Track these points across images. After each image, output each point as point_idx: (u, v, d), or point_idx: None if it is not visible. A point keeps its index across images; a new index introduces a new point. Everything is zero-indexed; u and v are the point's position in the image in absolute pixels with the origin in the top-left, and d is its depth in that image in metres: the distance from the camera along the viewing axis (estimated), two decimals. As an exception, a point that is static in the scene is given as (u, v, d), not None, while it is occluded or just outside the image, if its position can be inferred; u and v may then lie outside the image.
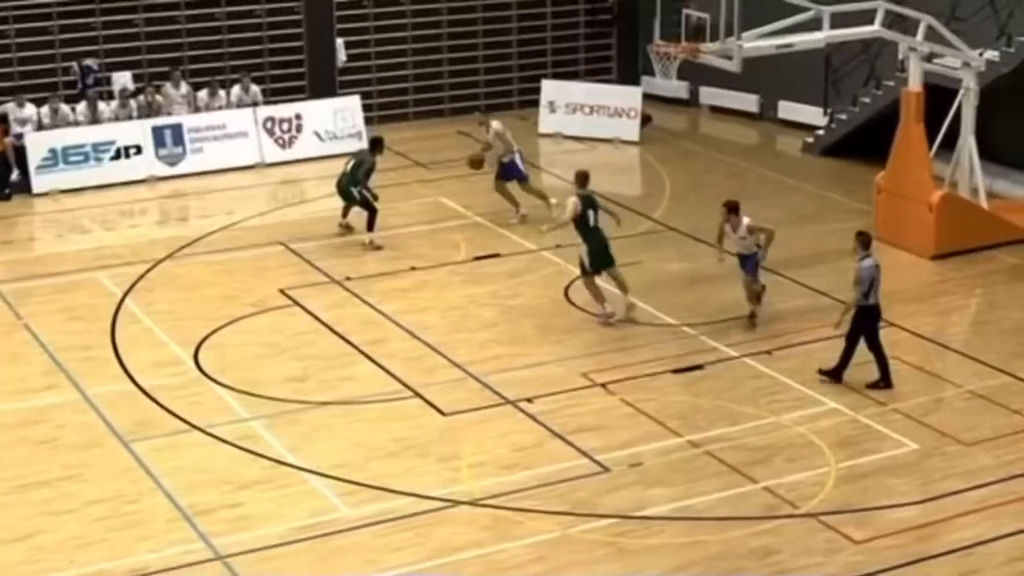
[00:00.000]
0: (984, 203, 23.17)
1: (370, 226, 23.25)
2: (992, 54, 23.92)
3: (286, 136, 28.19)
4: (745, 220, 19.46)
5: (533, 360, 18.99)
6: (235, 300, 21.16)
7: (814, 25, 21.89)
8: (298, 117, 28.35)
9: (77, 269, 22.59)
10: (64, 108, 27.08)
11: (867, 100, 26.96)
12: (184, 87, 27.97)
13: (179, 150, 27.35)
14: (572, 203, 19.88)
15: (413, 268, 22.37)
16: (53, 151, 26.49)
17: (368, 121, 28.99)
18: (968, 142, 23.03)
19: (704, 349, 19.22)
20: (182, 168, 27.26)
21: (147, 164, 27.08)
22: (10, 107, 26.85)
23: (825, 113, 28.74)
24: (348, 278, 21.94)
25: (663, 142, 29.42)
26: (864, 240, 18.04)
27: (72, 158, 26.57)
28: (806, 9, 21.74)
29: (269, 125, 28.11)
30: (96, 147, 26.78)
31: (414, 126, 30.19)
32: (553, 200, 23.89)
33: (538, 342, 19.54)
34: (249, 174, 27.51)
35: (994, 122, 23.99)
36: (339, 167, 23.87)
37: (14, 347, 19.69)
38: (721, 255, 19.89)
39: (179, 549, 14.57)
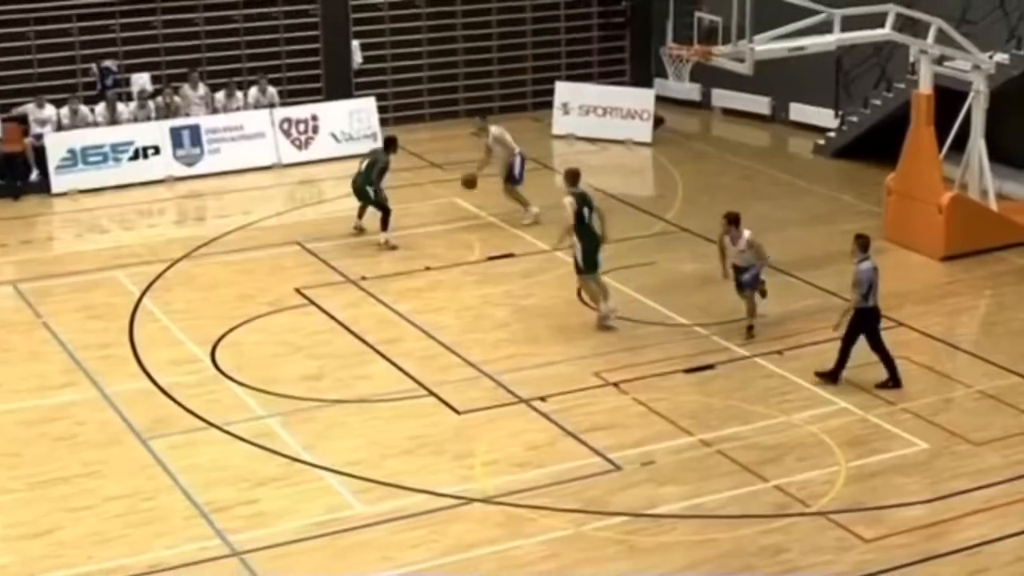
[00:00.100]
0: (993, 205, 23.15)
1: (384, 226, 23.28)
2: (1002, 57, 23.93)
3: (302, 137, 28.24)
4: (746, 233, 19.29)
5: (546, 359, 19.01)
6: (252, 299, 21.19)
7: (826, 28, 21.90)
8: (314, 118, 28.38)
9: (96, 268, 22.64)
10: (83, 109, 27.11)
11: (878, 102, 26.91)
12: (202, 88, 28.00)
13: (197, 151, 27.40)
14: (569, 203, 19.71)
15: (428, 268, 22.42)
16: (72, 151, 26.55)
17: (383, 122, 28.99)
18: (978, 144, 22.99)
19: (716, 349, 19.23)
20: (200, 168, 27.31)
21: (165, 164, 27.13)
22: (30, 108, 26.87)
23: (836, 115, 28.70)
24: (363, 278, 21.98)
25: (675, 144, 29.40)
26: (863, 243, 18.03)
27: (91, 158, 26.63)
28: (818, 12, 21.74)
29: (286, 126, 28.15)
30: (115, 148, 26.83)
31: (429, 127, 30.21)
32: (535, 209, 23.87)
33: (551, 341, 19.54)
34: (266, 175, 27.53)
35: (1004, 124, 23.99)
36: (355, 168, 23.86)
37: (34, 345, 19.73)
38: (727, 272, 19.64)
39: (196, 545, 14.62)
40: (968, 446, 16.63)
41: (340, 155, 27.58)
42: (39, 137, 26.66)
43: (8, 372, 18.88)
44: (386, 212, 23.35)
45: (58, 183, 26.39)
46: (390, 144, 24.05)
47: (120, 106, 27.46)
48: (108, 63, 28.00)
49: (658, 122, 29.65)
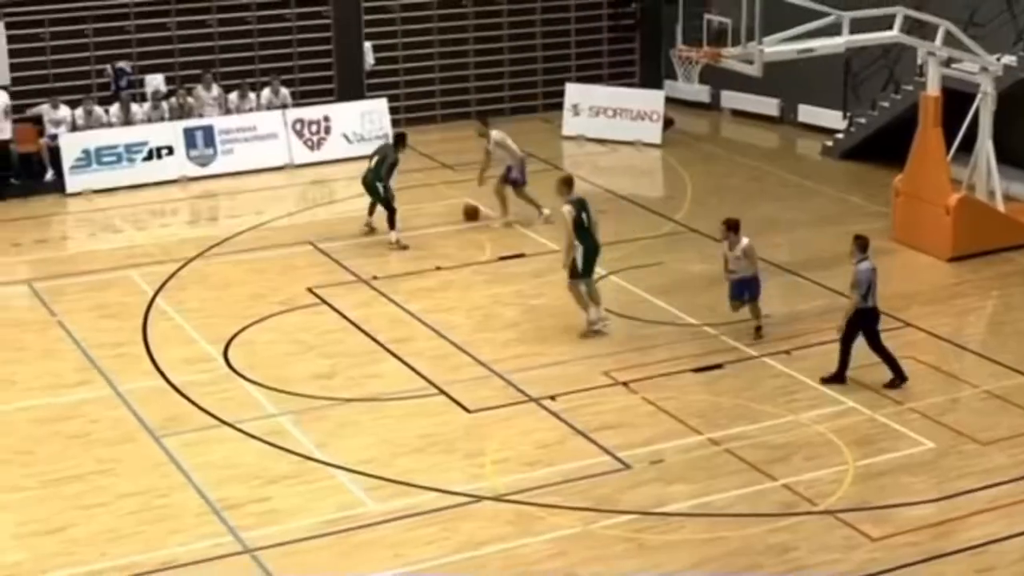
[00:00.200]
0: (1001, 206, 23.18)
1: (391, 225, 23.33)
2: (1010, 59, 23.90)
3: (315, 138, 28.30)
4: (744, 241, 19.21)
5: (556, 359, 19.03)
6: (264, 298, 21.23)
7: (834, 30, 21.93)
8: (326, 119, 28.45)
9: (110, 268, 22.69)
10: (98, 110, 27.17)
11: (886, 104, 26.94)
12: (215, 89, 28.04)
13: (210, 151, 27.47)
14: (567, 211, 19.43)
15: (439, 268, 22.47)
16: (87, 152, 26.61)
17: (395, 123, 29.00)
18: (985, 146, 22.99)
19: (724, 349, 19.25)
20: (213, 169, 27.38)
21: (179, 165, 27.21)
22: (45, 108, 26.94)
23: (845, 117, 28.72)
24: (375, 277, 22.02)
25: (685, 145, 29.42)
26: (861, 243, 18.02)
27: (105, 159, 26.69)
28: (826, 14, 21.76)
29: (298, 127, 28.22)
30: (129, 148, 26.90)
31: (440, 128, 30.22)
32: (546, 210, 23.81)
33: (561, 341, 19.55)
34: (278, 175, 27.59)
35: (1011, 126, 23.99)
36: (366, 167, 23.97)
37: (48, 344, 19.79)
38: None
39: (209, 542, 14.67)
40: (975, 446, 16.64)
41: (352, 156, 27.55)
42: (54, 137, 26.72)
43: (22, 370, 18.94)
44: (392, 211, 23.40)
45: (72, 183, 26.45)
46: (400, 140, 24.14)
47: (134, 107, 27.54)
48: (122, 64, 28.08)
49: (668, 123, 29.68)
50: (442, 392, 18.15)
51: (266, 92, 28.45)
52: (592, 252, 19.62)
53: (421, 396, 18.08)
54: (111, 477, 16.05)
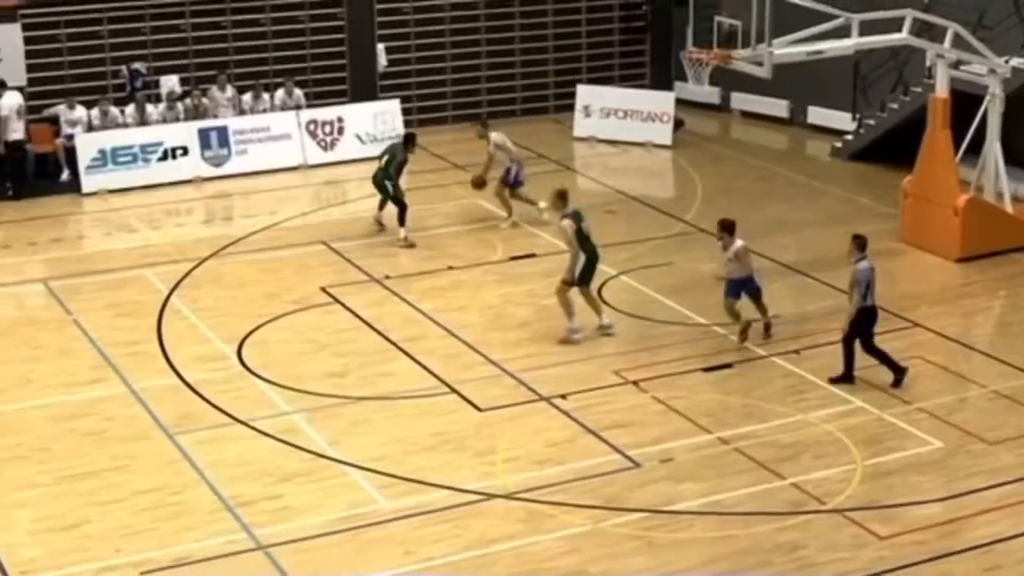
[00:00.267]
0: (1009, 207, 23.15)
1: (401, 222, 23.45)
2: (1018, 61, 23.92)
3: (328, 138, 28.35)
4: (737, 243, 19.05)
5: (567, 358, 19.04)
6: (278, 298, 21.26)
7: (843, 32, 21.94)
8: (340, 120, 28.49)
9: (125, 267, 22.72)
10: (113, 110, 27.24)
11: (895, 106, 26.97)
12: (230, 90, 28.10)
13: (224, 151, 27.53)
14: (568, 226, 19.33)
15: (451, 267, 22.53)
16: (102, 152, 26.66)
17: (408, 124, 29.03)
18: (994, 147, 23.00)
19: (733, 348, 19.24)
20: (227, 169, 27.43)
21: (193, 165, 27.25)
22: (61, 109, 27.06)
23: (854, 118, 28.68)
24: (387, 277, 22.07)
25: (695, 146, 29.43)
26: (860, 243, 18.03)
27: (121, 159, 26.75)
28: (836, 17, 21.81)
29: (312, 128, 28.27)
30: (144, 148, 26.95)
31: (453, 129, 30.22)
32: (543, 203, 23.77)
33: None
34: (292, 175, 27.61)
35: (1020, 128, 23.94)
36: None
37: (64, 342, 19.83)
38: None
39: (222, 539, 14.72)
40: (982, 445, 16.66)
41: (365, 156, 27.49)
42: (70, 138, 26.82)
43: (39, 368, 18.99)
44: (402, 208, 23.51)
45: (88, 183, 26.51)
46: (409, 140, 24.26)
47: (149, 107, 27.60)
48: (138, 65, 28.14)
49: (678, 125, 29.70)
50: (453, 391, 18.18)
51: (280, 93, 28.50)
52: (593, 261, 19.61)
53: (433, 395, 18.11)
54: (126, 474, 16.12)
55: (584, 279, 19.56)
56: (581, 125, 30.05)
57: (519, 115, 31.21)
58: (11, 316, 21.15)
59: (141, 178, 26.83)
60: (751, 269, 19.13)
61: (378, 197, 24.03)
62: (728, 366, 18.80)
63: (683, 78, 24.54)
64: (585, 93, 30.23)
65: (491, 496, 15.60)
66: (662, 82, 31.64)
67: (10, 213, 25.50)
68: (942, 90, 22.70)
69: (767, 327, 19.55)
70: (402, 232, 23.48)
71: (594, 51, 32.03)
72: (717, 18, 21.74)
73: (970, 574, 14.14)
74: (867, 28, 22.23)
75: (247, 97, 28.32)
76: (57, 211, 25.77)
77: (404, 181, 24.12)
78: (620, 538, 14.77)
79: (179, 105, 27.85)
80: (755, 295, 19.32)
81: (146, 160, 26.99)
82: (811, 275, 21.78)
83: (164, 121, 27.58)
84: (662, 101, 29.83)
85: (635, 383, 18.35)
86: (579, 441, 16.90)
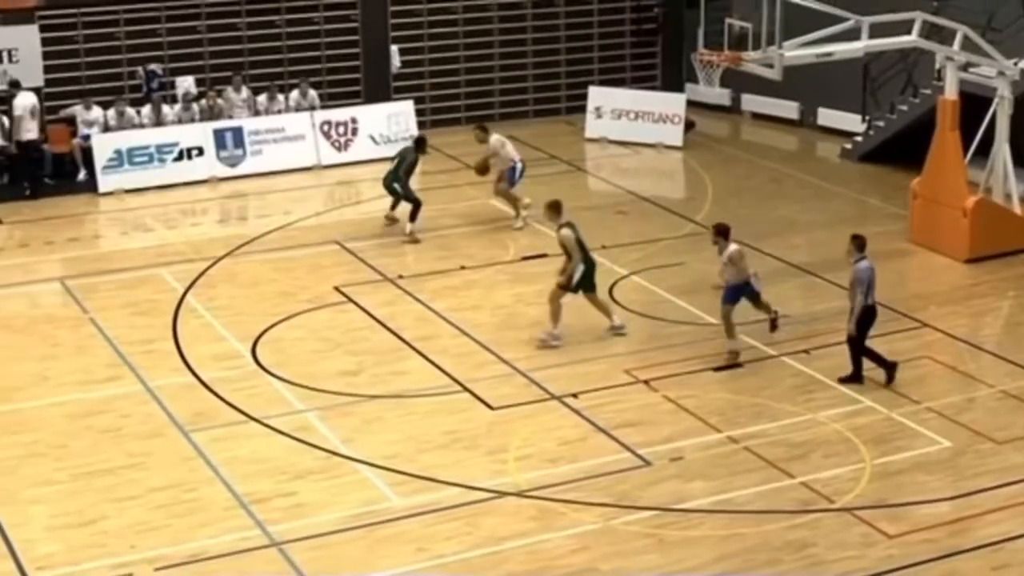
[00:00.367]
0: (1017, 208, 23.18)
1: (412, 217, 23.63)
2: (1027, 64, 24.01)
3: (342, 139, 28.42)
4: (731, 248, 18.81)
5: (578, 357, 19.09)
6: (292, 297, 21.33)
7: (853, 35, 21.95)
8: (354, 121, 28.57)
9: (141, 266, 22.79)
10: (129, 111, 27.34)
11: (904, 108, 26.96)
12: (245, 91, 28.18)
13: (239, 152, 27.61)
14: (568, 236, 19.36)
15: (463, 267, 22.61)
16: (119, 152, 26.76)
17: (421, 125, 29.17)
18: (1002, 149, 23.00)
19: (743, 348, 19.18)
20: (242, 169, 27.51)
21: (208, 165, 27.34)
22: (78, 110, 27.17)
23: (863, 120, 28.66)
24: (400, 276, 22.13)
25: (706, 147, 29.45)
26: (859, 243, 18.04)
27: (137, 159, 26.85)
28: (846, 19, 21.80)
29: (326, 128, 28.34)
30: (160, 148, 27.05)
31: (465, 130, 29.74)
32: (527, 200, 23.94)
33: (583, 340, 19.58)
34: (306, 175, 27.67)
35: (1028, 130, 23.99)
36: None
37: (80, 340, 19.91)
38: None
39: (236, 536, 14.79)
40: (991, 445, 16.68)
41: (378, 157, 27.59)
42: (86, 138, 26.92)
43: (56, 366, 19.08)
44: (416, 205, 23.68)
45: (105, 183, 26.59)
46: (420, 143, 24.40)
47: (165, 108, 27.70)
48: (154, 67, 28.25)
49: (689, 126, 29.73)
50: (466, 389, 18.25)
51: (294, 94, 28.55)
52: (592, 268, 19.62)
53: (445, 393, 18.17)
54: (141, 471, 16.19)
55: (587, 287, 19.63)
56: (593, 126, 30.09)
57: (531, 116, 31.30)
58: (28, 314, 21.26)
59: (157, 178, 26.90)
60: (747, 273, 18.90)
61: (390, 198, 24.22)
62: (738, 366, 18.82)
63: (694, 80, 24.52)
64: (597, 95, 30.27)
65: (503, 494, 15.66)
66: (673, 84, 31.68)
67: (27, 212, 25.62)
68: (951, 92, 22.72)
69: (773, 323, 19.40)
70: (409, 227, 23.66)
71: (606, 53, 32.05)
72: (728, 20, 21.74)
73: (978, 573, 14.16)
74: (877, 30, 22.23)
75: (262, 98, 28.41)
76: (74, 211, 25.85)
77: (416, 181, 24.27)
78: (630, 536, 14.82)
79: (195, 106, 27.94)
80: (754, 298, 19.13)
81: (162, 160, 27.09)
82: (821, 275, 21.79)
83: (180, 122, 27.67)
84: (673, 103, 29.88)
85: (646, 382, 18.40)
86: (590, 440, 16.95)
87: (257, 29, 29.17)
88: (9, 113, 26.55)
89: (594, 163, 28.88)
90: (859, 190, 26.49)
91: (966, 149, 22.93)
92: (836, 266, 21.82)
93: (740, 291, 18.92)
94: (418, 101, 29.98)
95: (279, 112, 28.41)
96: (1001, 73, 22.82)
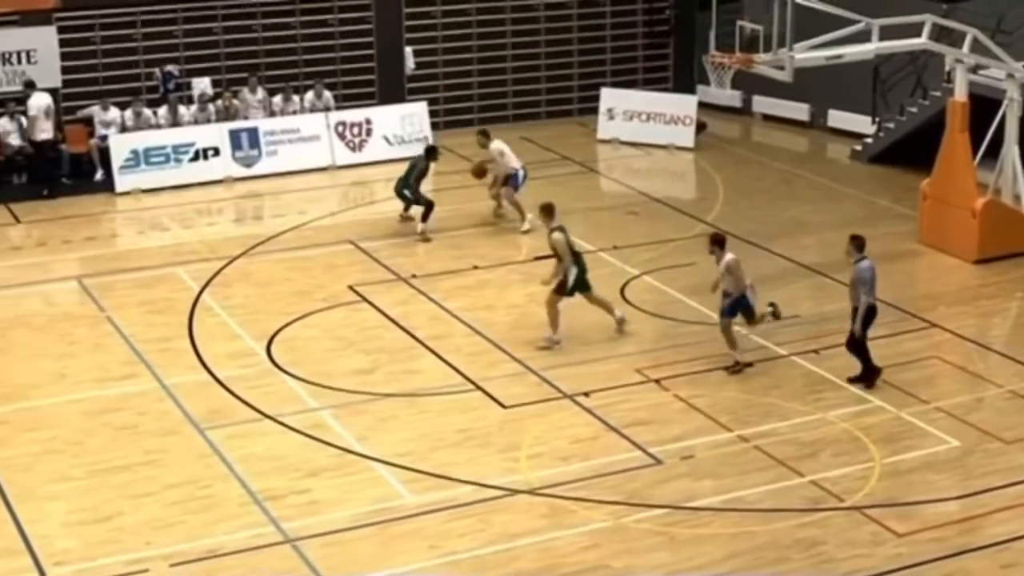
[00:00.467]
0: (1026, 210, 23.22)
1: (424, 218, 23.82)
2: (1035, 66, 24.01)
3: (356, 140, 28.45)
4: (727, 257, 18.61)
5: (590, 356, 19.16)
6: (307, 296, 21.40)
7: (863, 37, 21.96)
8: (368, 122, 28.60)
9: (157, 265, 22.88)
10: (146, 111, 27.44)
11: (914, 110, 27.00)
12: (260, 92, 28.23)
13: (255, 152, 27.66)
14: (559, 239, 19.39)
15: (476, 267, 22.68)
16: (135, 152, 26.81)
17: (434, 126, 29.26)
18: (1011, 151, 23.01)
19: (754, 347, 19.28)
20: (257, 169, 27.55)
21: (224, 165, 27.40)
22: (95, 110, 27.25)
23: (873, 122, 28.68)
24: (414, 276, 22.21)
25: (717, 148, 29.46)
26: (859, 243, 18.08)
27: (153, 159, 26.92)
28: (856, 22, 21.82)
29: (340, 129, 28.37)
30: (176, 149, 27.12)
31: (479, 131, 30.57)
32: (529, 215, 23.89)
33: (595, 339, 19.65)
34: (321, 176, 27.70)
35: (1037, 132, 23.97)
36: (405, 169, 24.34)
37: (97, 338, 20.01)
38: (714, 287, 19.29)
39: (251, 532, 14.89)
40: (999, 444, 16.75)
41: (392, 157, 27.72)
42: (104, 138, 27.00)
43: (73, 364, 19.18)
44: (429, 206, 23.88)
45: (122, 182, 26.65)
46: (430, 152, 24.57)
47: (182, 109, 27.79)
48: (170, 68, 28.33)
49: (700, 127, 29.75)
50: (478, 388, 18.32)
51: (309, 95, 28.58)
52: (584, 270, 19.66)
53: (458, 392, 18.24)
54: (157, 468, 16.30)
55: (582, 288, 19.69)
56: (605, 127, 30.12)
57: (544, 117, 31.35)
58: (46, 312, 21.34)
59: (173, 178, 26.97)
60: (744, 285, 18.65)
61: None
62: (749, 365, 18.87)
63: (706, 81, 24.53)
64: (609, 96, 30.30)
65: (515, 492, 15.74)
66: (685, 85, 31.68)
67: (45, 212, 25.72)
68: (961, 94, 22.76)
69: (774, 315, 19.16)
70: (420, 227, 23.83)
71: (618, 55, 32.05)
72: (739, 23, 21.78)
73: (987, 571, 14.23)
74: (887, 33, 22.26)
75: (277, 99, 28.46)
76: (91, 210, 25.92)
77: (429, 182, 24.41)
78: (641, 533, 14.90)
79: (211, 107, 28.02)
80: (748, 314, 18.83)
81: (178, 160, 27.16)
82: (831, 276, 21.79)
83: (196, 122, 27.75)
84: (685, 104, 29.90)
85: (657, 381, 18.47)
86: (601, 438, 17.03)
87: (273, 31, 29.21)
88: (25, 113, 26.68)
89: (606, 164, 28.90)
90: (869, 191, 26.49)
91: (975, 151, 22.94)
92: (846, 267, 21.69)
93: (737, 304, 18.80)
94: (432, 102, 29.99)
95: (294, 113, 28.45)
96: (1010, 75, 22.82)
